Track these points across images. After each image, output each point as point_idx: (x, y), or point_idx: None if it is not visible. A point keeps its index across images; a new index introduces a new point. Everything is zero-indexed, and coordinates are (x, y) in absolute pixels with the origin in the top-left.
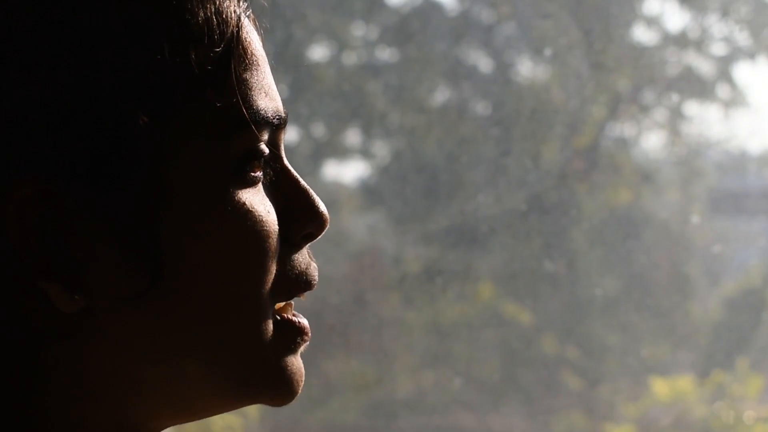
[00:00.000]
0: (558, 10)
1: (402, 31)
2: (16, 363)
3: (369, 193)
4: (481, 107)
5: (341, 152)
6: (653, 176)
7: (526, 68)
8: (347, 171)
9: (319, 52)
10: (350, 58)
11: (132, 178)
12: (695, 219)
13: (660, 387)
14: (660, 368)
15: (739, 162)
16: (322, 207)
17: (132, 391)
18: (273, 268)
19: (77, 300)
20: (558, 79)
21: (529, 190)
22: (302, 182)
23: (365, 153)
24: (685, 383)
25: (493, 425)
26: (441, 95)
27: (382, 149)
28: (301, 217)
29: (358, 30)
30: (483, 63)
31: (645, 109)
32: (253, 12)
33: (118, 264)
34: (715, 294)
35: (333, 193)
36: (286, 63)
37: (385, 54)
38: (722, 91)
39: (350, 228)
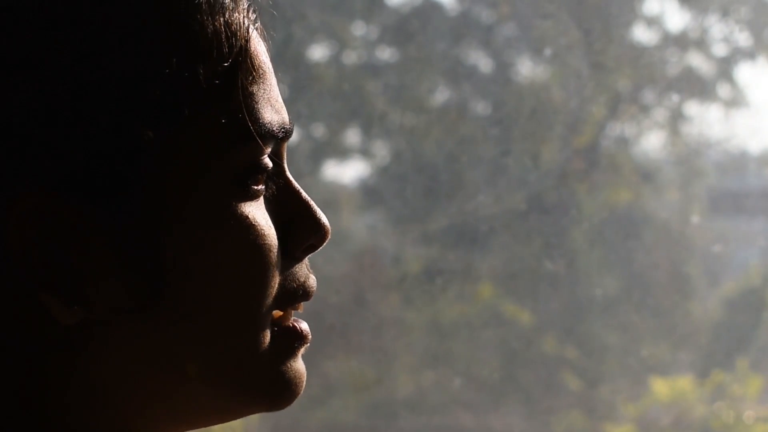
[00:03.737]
0: (558, 10)
1: (402, 31)
2: (18, 372)
3: (369, 193)
4: (481, 107)
5: (341, 152)
6: (653, 176)
7: (526, 68)
8: (347, 171)
9: (319, 52)
10: (350, 58)
11: (134, 192)
12: (695, 219)
13: (660, 387)
14: (660, 368)
15: (739, 162)
16: (324, 219)
17: (133, 401)
18: (274, 282)
19: (76, 312)
20: (558, 79)
21: (529, 190)
22: (303, 194)
23: (365, 153)
24: (685, 383)
25: (493, 425)
26: (441, 95)
27: (382, 149)
28: (303, 230)
29: (358, 30)
30: (483, 63)
31: (645, 109)
32: (259, 19)
33: (118, 277)
34: (715, 294)
35: (333, 193)
36: (286, 63)
37: (385, 54)
38: (722, 91)
39: (350, 228)
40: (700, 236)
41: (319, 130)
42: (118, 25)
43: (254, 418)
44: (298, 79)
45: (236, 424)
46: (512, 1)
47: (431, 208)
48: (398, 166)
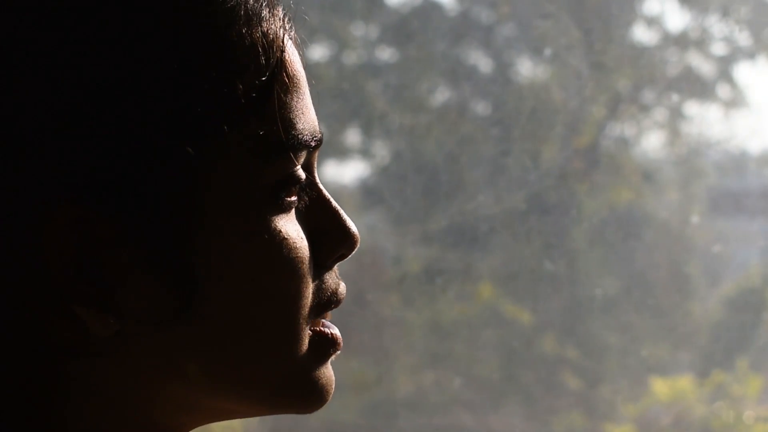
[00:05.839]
0: (558, 10)
1: (402, 31)
2: (45, 379)
3: (369, 193)
4: (481, 107)
5: (341, 152)
6: (653, 176)
7: (526, 68)
8: (347, 171)
9: (319, 52)
10: (350, 58)
11: (169, 206)
12: (695, 219)
13: (660, 387)
14: (660, 368)
15: (739, 162)
16: (354, 229)
17: (159, 406)
18: (307, 293)
19: (111, 324)
20: (558, 79)
21: (529, 190)
22: (334, 204)
23: (365, 153)
24: (685, 383)
25: (493, 425)
26: (441, 95)
27: (382, 149)
28: (333, 241)
29: (358, 30)
30: (483, 63)
31: (645, 109)
32: (294, 28)
33: (151, 289)
34: (715, 294)
35: (333, 193)
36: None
37: (385, 54)
38: (722, 91)
39: None
40: (700, 236)
41: None
42: (159, 40)
43: (254, 418)
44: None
45: (237, 424)
46: (512, 1)
47: (431, 208)
48: (398, 166)
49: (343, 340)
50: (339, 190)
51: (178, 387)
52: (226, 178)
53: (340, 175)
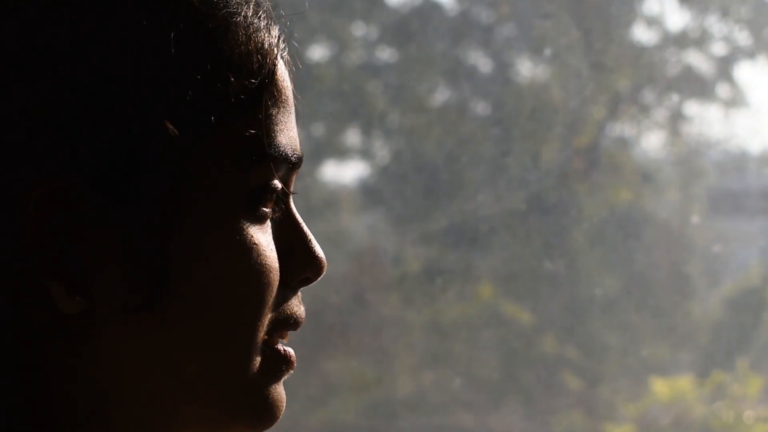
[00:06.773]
0: (558, 10)
1: (402, 31)
2: (17, 358)
3: (369, 193)
4: (481, 107)
5: (341, 152)
6: (653, 176)
7: (525, 68)
8: (347, 171)
9: (319, 52)
10: (350, 58)
11: (149, 193)
12: (695, 219)
13: (660, 387)
14: (660, 368)
15: (739, 162)
16: (321, 254)
17: (123, 400)
18: (267, 302)
19: (77, 301)
20: (558, 79)
21: (529, 190)
22: (304, 227)
23: (365, 153)
24: (685, 383)
25: (493, 425)
26: (441, 95)
27: (381, 149)
28: (300, 263)
29: (358, 30)
30: (483, 63)
31: (645, 109)
32: (288, 52)
33: (122, 274)
34: (715, 294)
35: (333, 193)
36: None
37: (385, 54)
38: (722, 91)
39: (350, 228)
40: (700, 236)
41: (319, 130)
42: (154, 27)
43: None
44: (298, 79)
45: None
46: (512, 1)
47: (431, 208)
48: (398, 166)
49: (343, 340)
50: (339, 190)
51: (142, 382)
52: (207, 176)
53: (340, 175)
